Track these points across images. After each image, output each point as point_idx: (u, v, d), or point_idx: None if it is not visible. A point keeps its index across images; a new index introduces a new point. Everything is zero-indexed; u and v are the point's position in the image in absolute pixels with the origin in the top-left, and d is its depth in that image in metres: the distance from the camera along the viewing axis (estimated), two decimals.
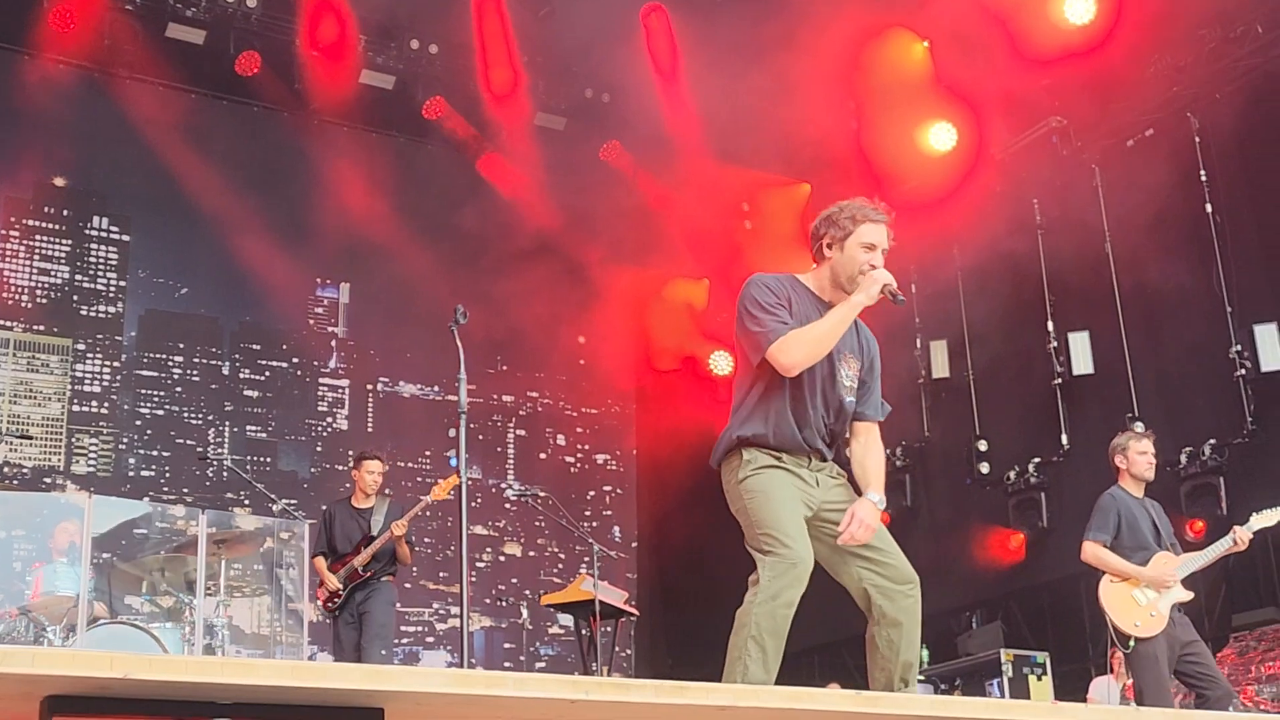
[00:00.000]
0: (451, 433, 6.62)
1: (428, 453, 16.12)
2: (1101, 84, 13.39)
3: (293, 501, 11.64)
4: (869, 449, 5.51)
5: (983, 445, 14.66)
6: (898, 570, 5.27)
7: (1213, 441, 12.50)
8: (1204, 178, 13.13)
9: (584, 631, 11.23)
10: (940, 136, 14.50)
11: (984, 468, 14.59)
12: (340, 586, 10.34)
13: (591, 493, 17.30)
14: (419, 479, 15.34)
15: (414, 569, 12.02)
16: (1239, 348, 12.69)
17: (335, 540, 10.54)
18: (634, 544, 17.16)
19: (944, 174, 14.65)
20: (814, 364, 5.17)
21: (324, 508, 11.11)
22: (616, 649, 12.15)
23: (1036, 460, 14.17)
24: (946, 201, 14.84)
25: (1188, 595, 7.92)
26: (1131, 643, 7.67)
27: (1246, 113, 12.70)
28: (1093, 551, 7.98)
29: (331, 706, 3.35)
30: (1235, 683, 10.11)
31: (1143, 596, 7.81)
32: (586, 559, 11.17)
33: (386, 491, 10.91)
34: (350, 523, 10.56)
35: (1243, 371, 12.63)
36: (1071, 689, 12.17)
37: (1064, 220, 14.13)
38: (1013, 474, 14.36)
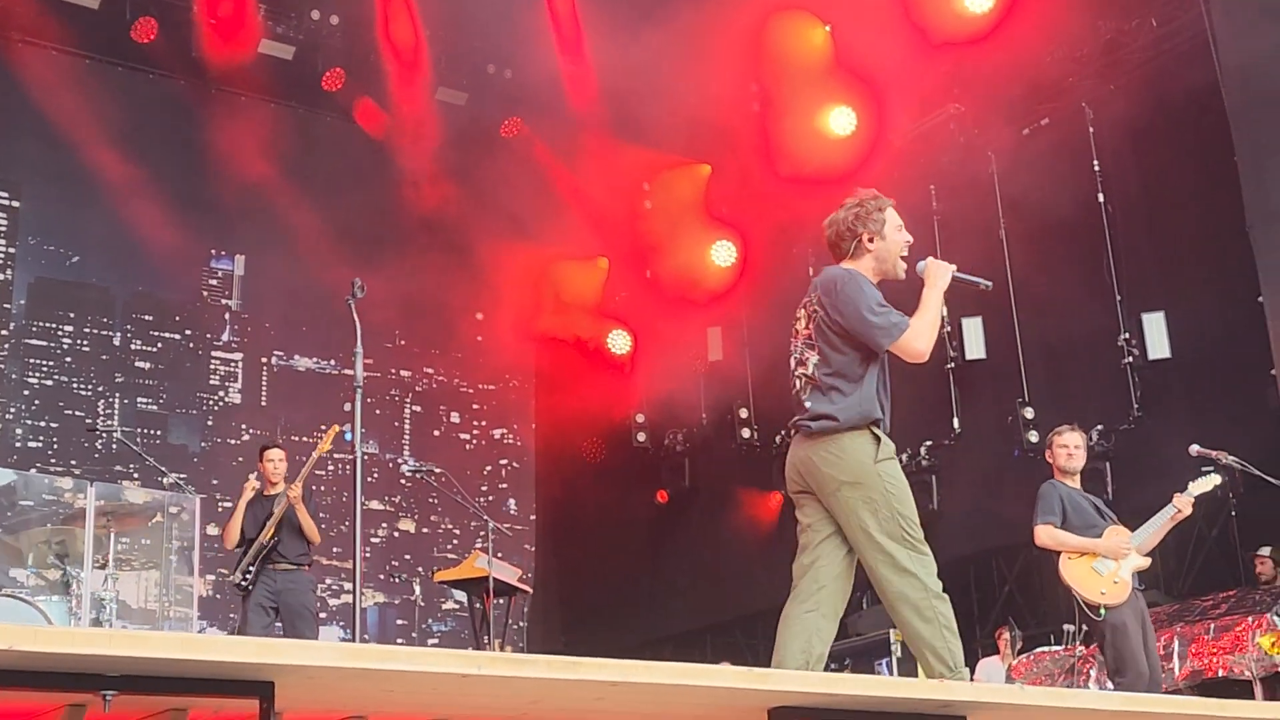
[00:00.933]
0: (347, 407, 6.54)
1: (323, 427, 15.90)
2: (1000, 73, 13.52)
3: (183, 475, 11.47)
4: None
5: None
6: None
7: (1100, 427, 12.69)
8: (1097, 168, 13.34)
9: (477, 607, 11.21)
10: (840, 120, 14.59)
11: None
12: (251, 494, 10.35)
13: (488, 468, 17.26)
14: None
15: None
16: (1127, 335, 12.92)
17: (247, 529, 10.48)
18: (532, 517, 17.16)
19: (843, 158, 14.73)
20: None
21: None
22: (510, 624, 12.16)
23: (928, 443, 14.34)
24: (845, 185, 14.85)
25: (1145, 562, 8.09)
26: (1102, 611, 7.78)
27: (1140, 105, 12.91)
28: (1047, 533, 8.10)
29: (221, 680, 3.32)
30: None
31: (1103, 567, 7.94)
32: (482, 535, 11.13)
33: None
34: (259, 510, 10.49)
35: (1130, 359, 12.87)
36: None
37: (960, 206, 14.28)
38: (904, 456, 14.47)
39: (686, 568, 16.43)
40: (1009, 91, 13.79)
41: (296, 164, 15.55)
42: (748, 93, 15.12)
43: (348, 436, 8.14)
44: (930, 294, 5.60)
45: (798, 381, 5.72)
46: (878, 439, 5.51)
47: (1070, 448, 8.40)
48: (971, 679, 11.04)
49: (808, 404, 5.62)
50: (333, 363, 16.31)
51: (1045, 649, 11.30)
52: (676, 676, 3.38)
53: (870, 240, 5.66)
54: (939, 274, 5.62)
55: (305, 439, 15.69)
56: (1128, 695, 4.39)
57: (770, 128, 14.90)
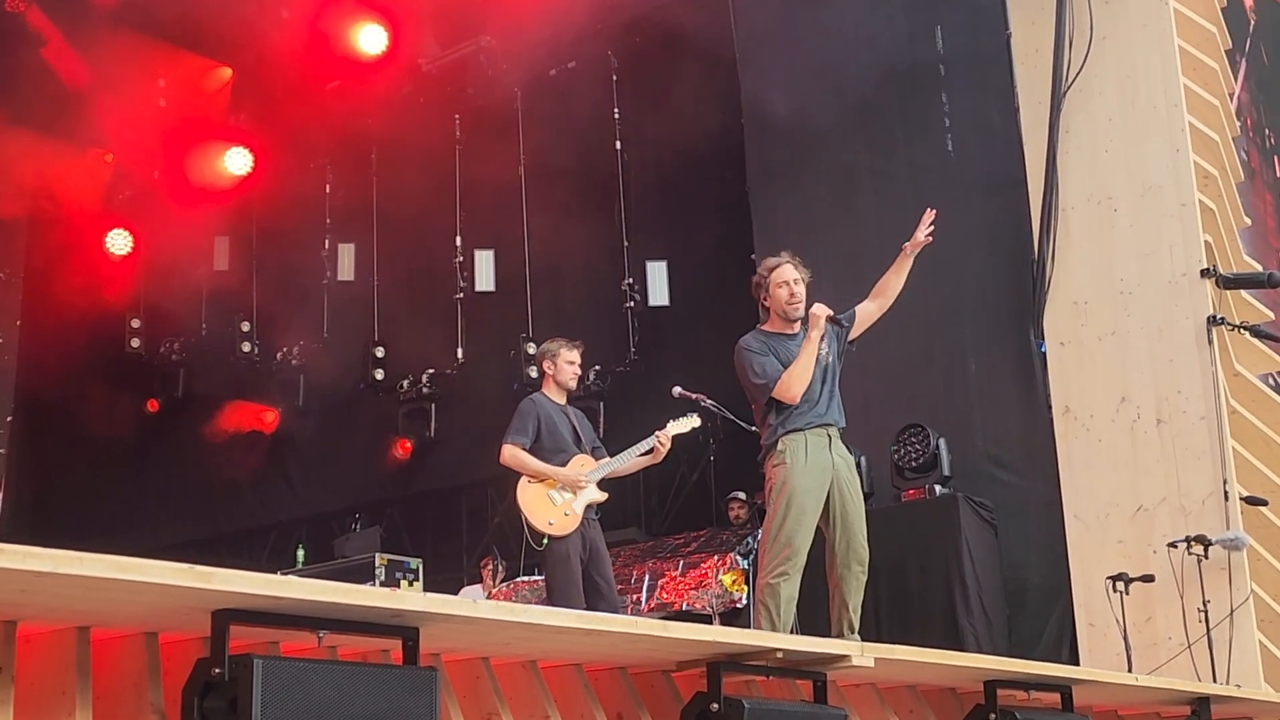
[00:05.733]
0: None
1: None
2: (532, 11, 13.60)
3: None
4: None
5: (380, 352, 14.75)
6: None
7: (597, 367, 13.06)
8: (617, 115, 13.70)
9: None
10: (370, 38, 14.32)
11: (379, 374, 14.69)
12: None
13: None
14: None
15: None
16: (631, 281, 13.34)
17: None
18: (9, 418, 16.17)
19: (370, 77, 14.53)
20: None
21: None
22: None
23: (431, 371, 14.41)
24: (370, 105, 14.75)
25: (602, 496, 8.12)
26: (545, 541, 7.80)
27: (659, 59, 13.27)
28: (511, 453, 8.01)
29: None
30: None
31: (559, 497, 7.92)
32: None
33: None
34: None
35: (632, 304, 13.29)
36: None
37: (482, 139, 14.37)
38: (406, 383, 14.53)
39: (174, 481, 15.94)
40: (539, 30, 13.88)
41: None
42: None
43: None
44: (806, 345, 6.92)
45: None
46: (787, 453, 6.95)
47: (577, 366, 8.42)
48: None
49: None
50: None
51: (525, 578, 11.54)
52: (109, 570, 3.21)
53: (765, 299, 7.15)
54: (816, 322, 6.96)
55: None
56: (578, 613, 4.51)
57: (299, 38, 14.45)
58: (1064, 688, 6.35)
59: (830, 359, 7.10)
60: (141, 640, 3.93)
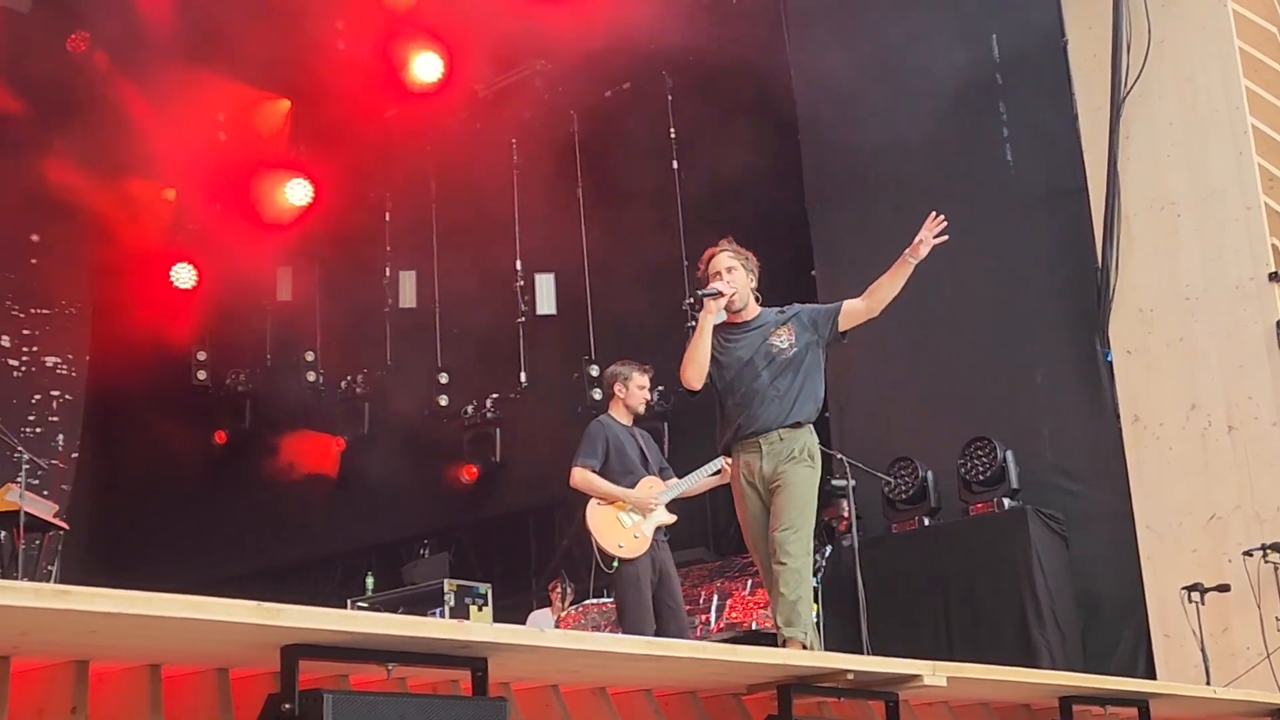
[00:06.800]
0: None
1: None
2: (586, 33, 13.62)
3: None
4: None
5: (444, 378, 14.79)
6: None
7: (661, 388, 12.97)
8: (673, 134, 13.66)
9: (3, 544, 10.57)
10: (426, 67, 14.41)
11: (443, 400, 14.72)
12: None
13: (37, 397, 16.34)
14: None
15: None
16: (691, 300, 13.28)
17: None
18: (74, 455, 16.35)
19: (427, 105, 14.63)
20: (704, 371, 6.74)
21: None
22: (43, 564, 11.55)
23: (494, 396, 14.43)
24: (428, 132, 14.83)
25: (671, 518, 8.15)
26: (615, 563, 7.82)
27: (714, 78, 13.23)
28: (581, 476, 8.06)
29: None
30: None
31: (628, 519, 7.95)
32: (28, 467, 10.49)
33: None
34: None
35: (693, 323, 13.18)
36: (513, 621, 12.45)
37: (539, 162, 14.37)
38: (470, 408, 14.56)
39: (242, 512, 16.03)
40: (594, 53, 13.91)
41: None
42: (333, 30, 14.75)
43: None
44: (697, 330, 6.75)
45: None
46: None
47: (648, 390, 8.48)
48: None
49: None
50: None
51: (594, 601, 11.53)
52: (177, 609, 3.21)
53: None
54: (706, 305, 6.81)
55: None
56: (647, 639, 4.49)
57: (354, 68, 14.57)
58: (1141, 702, 6.27)
59: (791, 352, 6.74)
60: (213, 676, 3.94)
